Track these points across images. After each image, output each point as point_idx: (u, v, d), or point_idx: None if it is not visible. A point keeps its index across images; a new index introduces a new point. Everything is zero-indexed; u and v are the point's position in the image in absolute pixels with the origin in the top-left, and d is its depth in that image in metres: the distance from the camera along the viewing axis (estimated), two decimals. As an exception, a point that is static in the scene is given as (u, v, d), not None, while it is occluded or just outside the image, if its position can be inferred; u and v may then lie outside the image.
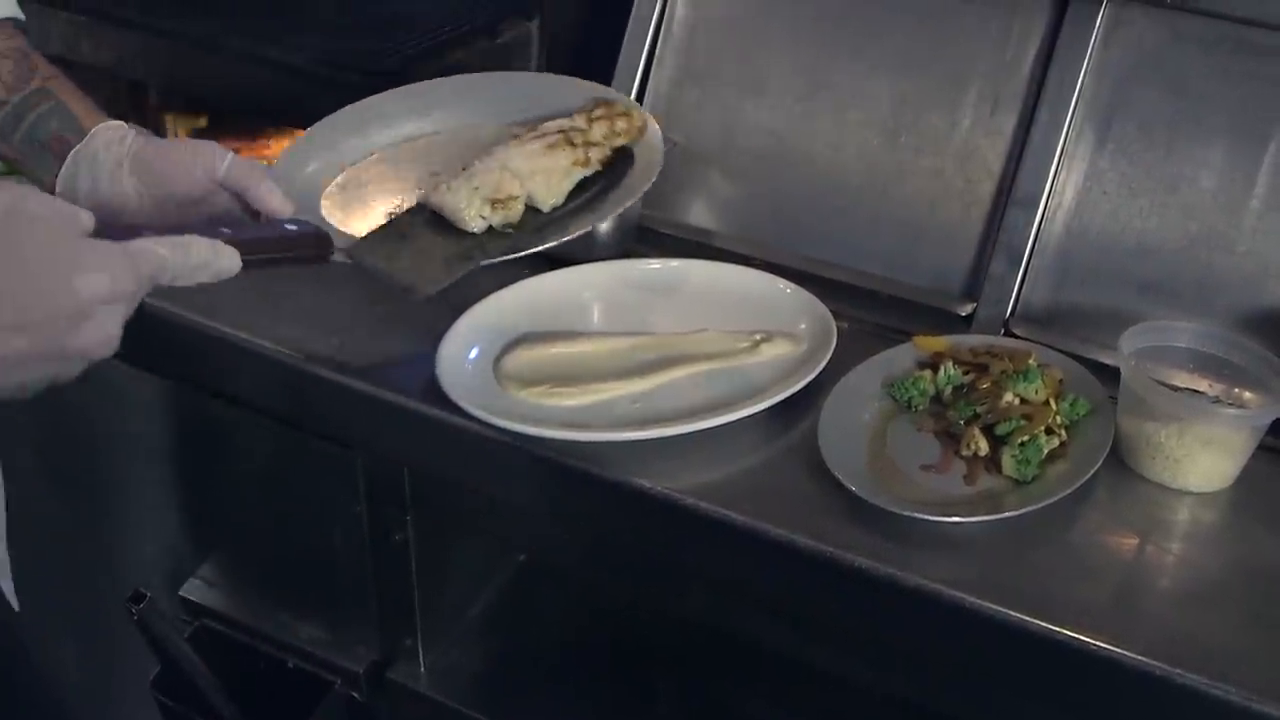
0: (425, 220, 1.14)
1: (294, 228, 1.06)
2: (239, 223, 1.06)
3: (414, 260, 1.10)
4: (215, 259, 0.94)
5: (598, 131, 1.16)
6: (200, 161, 1.08)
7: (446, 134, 1.27)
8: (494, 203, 1.10)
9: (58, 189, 1.10)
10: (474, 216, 1.10)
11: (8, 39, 1.16)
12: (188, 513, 1.47)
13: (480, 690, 1.38)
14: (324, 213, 1.19)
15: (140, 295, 0.88)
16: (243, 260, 0.95)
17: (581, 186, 1.18)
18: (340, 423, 1.22)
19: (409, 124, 1.29)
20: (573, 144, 1.14)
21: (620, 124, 1.17)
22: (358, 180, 1.25)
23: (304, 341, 1.21)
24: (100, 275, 0.82)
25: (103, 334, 0.84)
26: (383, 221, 1.15)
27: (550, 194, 1.13)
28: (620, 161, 1.21)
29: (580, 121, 1.17)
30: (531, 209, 1.14)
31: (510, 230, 1.13)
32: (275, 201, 1.08)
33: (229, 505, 1.40)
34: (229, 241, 0.94)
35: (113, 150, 1.10)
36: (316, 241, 1.07)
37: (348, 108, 1.29)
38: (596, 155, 1.15)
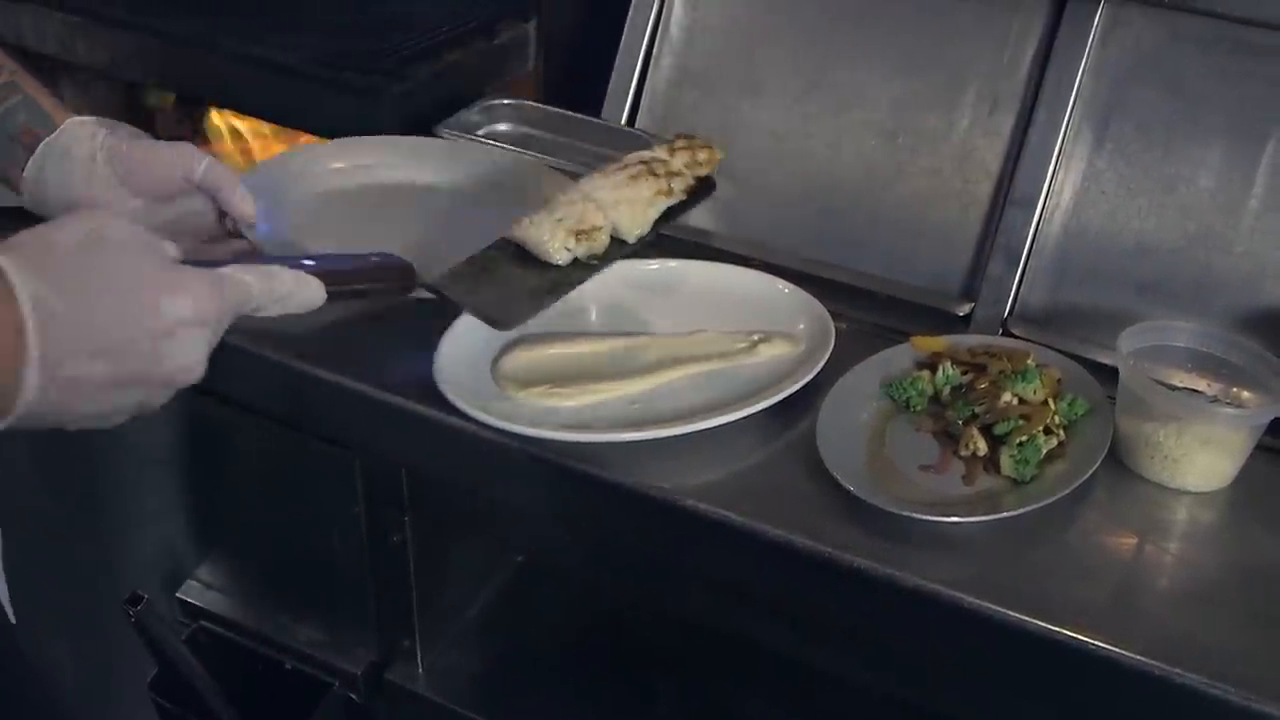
0: (510, 255, 1.13)
1: (377, 258, 1.06)
2: (323, 255, 1.06)
3: (499, 293, 1.10)
4: (300, 289, 0.94)
5: (679, 161, 1.16)
6: (179, 163, 1.11)
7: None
8: (578, 234, 1.09)
9: (25, 181, 1.11)
10: (558, 249, 1.09)
11: None
12: (185, 514, 1.46)
13: (479, 691, 1.38)
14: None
15: (225, 323, 0.88)
16: (327, 291, 0.95)
17: (666, 216, 1.18)
18: (338, 424, 1.22)
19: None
20: (655, 174, 1.13)
21: (702, 155, 1.17)
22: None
23: (301, 342, 1.21)
24: (184, 297, 0.82)
25: (186, 359, 0.83)
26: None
27: (635, 224, 1.13)
28: (703, 190, 1.21)
29: (662, 153, 1.17)
30: (616, 240, 1.14)
31: (595, 261, 1.14)
32: (246, 207, 1.13)
33: (226, 507, 1.39)
34: (313, 273, 0.94)
35: (84, 145, 1.11)
36: (401, 274, 1.07)
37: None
38: (679, 185, 1.14)
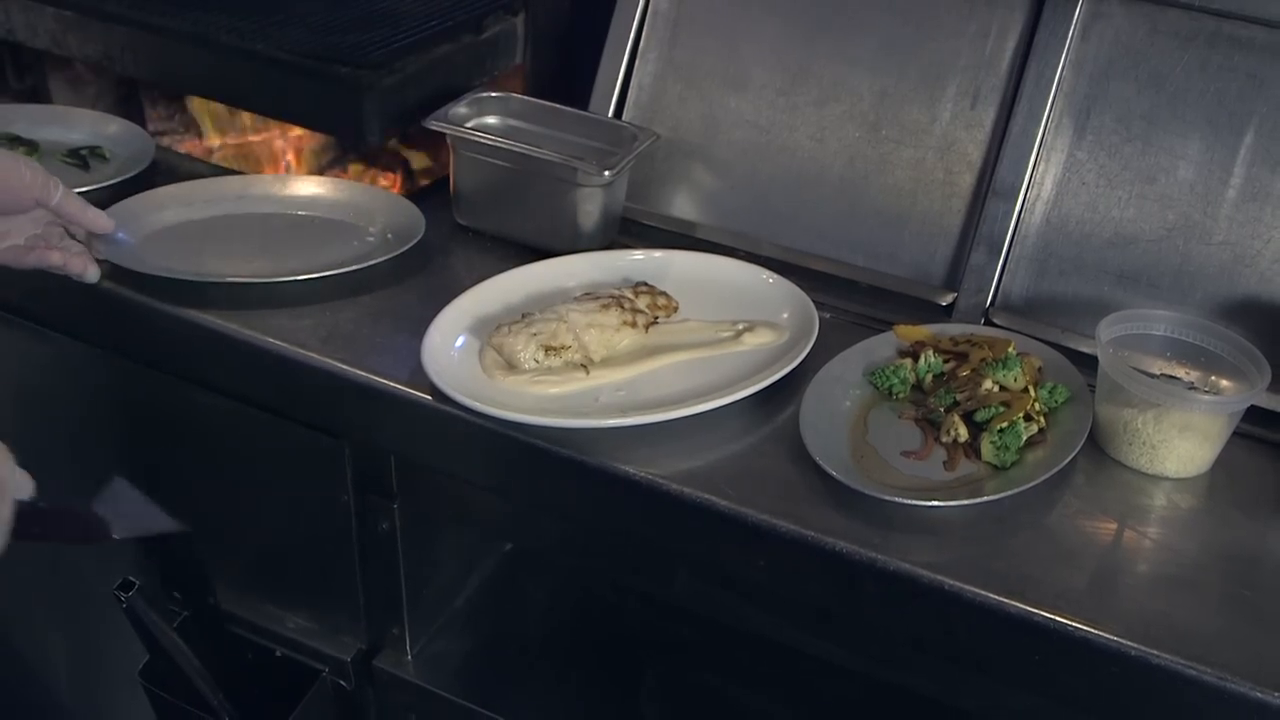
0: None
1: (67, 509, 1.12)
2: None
3: None
4: None
5: (642, 302, 1.24)
6: (34, 188, 1.19)
7: None
8: (548, 349, 1.17)
9: None
10: (528, 359, 1.16)
11: None
12: (175, 501, 1.47)
13: (467, 677, 1.39)
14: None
15: None
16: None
17: None
18: (327, 411, 1.23)
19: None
20: (622, 307, 1.21)
21: (661, 300, 1.25)
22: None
23: (290, 330, 1.22)
24: None
25: None
26: None
27: (601, 346, 1.19)
28: None
29: (629, 293, 1.24)
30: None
31: None
32: (102, 221, 1.24)
33: (216, 494, 1.40)
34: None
35: None
36: (86, 526, 1.14)
37: None
38: (642, 320, 1.22)
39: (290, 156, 1.79)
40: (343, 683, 1.40)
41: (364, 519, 1.31)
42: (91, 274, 1.25)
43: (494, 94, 1.45)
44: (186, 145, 1.78)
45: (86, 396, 1.45)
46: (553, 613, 1.47)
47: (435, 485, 1.27)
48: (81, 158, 1.49)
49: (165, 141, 1.74)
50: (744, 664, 1.33)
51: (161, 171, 1.45)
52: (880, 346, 1.22)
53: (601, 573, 1.30)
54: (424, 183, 1.73)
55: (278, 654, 1.42)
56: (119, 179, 1.43)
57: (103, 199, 1.41)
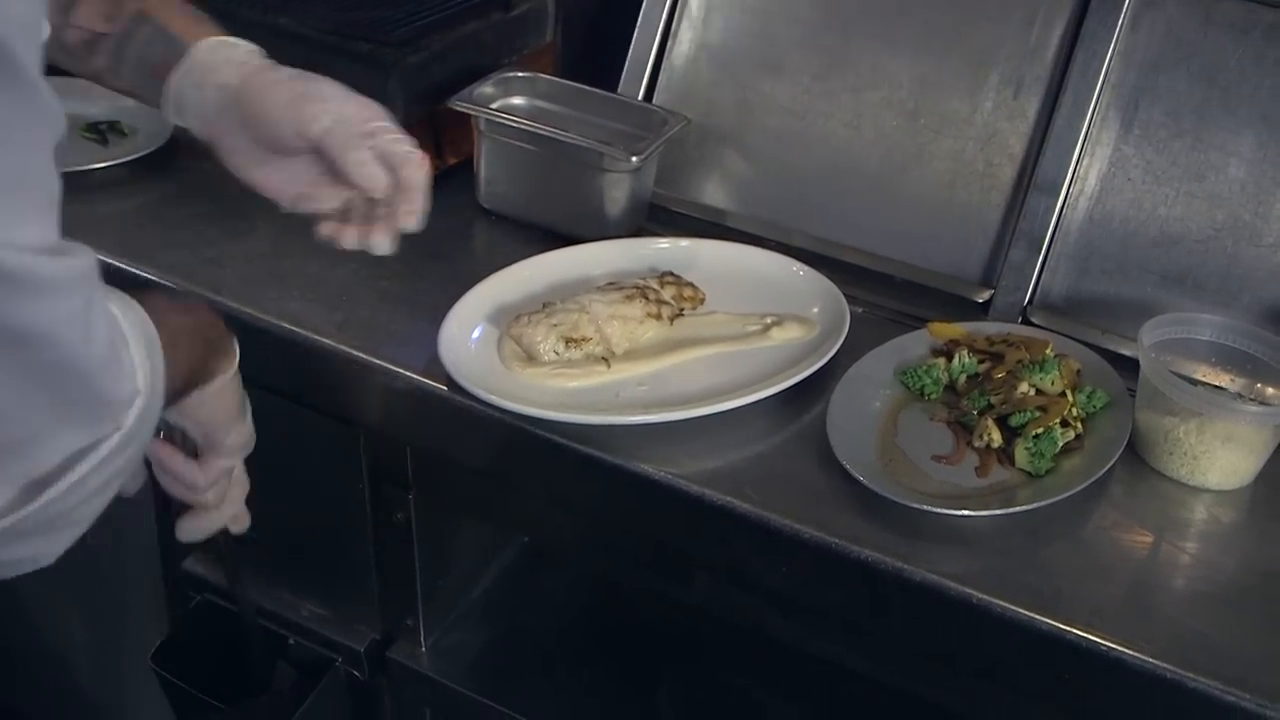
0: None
1: None
2: None
3: None
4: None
5: (668, 293, 1.20)
6: (292, 118, 0.99)
7: None
8: (569, 340, 1.13)
9: (169, 114, 1.03)
10: (548, 350, 1.13)
11: None
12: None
13: (481, 671, 1.37)
14: None
15: None
16: None
17: None
18: (344, 400, 1.20)
19: None
20: (646, 298, 1.18)
21: (688, 291, 1.22)
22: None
23: (308, 317, 1.19)
24: None
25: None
26: None
27: (624, 338, 1.15)
28: None
29: (654, 283, 1.21)
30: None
31: None
32: (365, 174, 0.98)
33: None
34: None
35: (211, 75, 1.01)
36: None
37: None
38: (667, 312, 1.19)
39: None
40: (356, 673, 1.38)
41: (380, 509, 1.28)
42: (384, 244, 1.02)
43: (521, 74, 1.41)
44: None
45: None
46: (569, 608, 1.44)
47: (452, 476, 1.25)
48: (100, 132, 1.47)
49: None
50: (764, 665, 1.30)
51: (181, 148, 1.43)
52: (913, 344, 1.18)
53: (618, 570, 1.28)
54: (452, 161, 1.70)
55: (291, 642, 1.41)
56: (137, 154, 1.40)
57: (121, 175, 1.39)
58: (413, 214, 1.01)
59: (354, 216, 1.04)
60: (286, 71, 1.03)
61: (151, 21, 1.03)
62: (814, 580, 1.01)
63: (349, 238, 1.04)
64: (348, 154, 0.98)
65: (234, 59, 1.02)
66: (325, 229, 1.05)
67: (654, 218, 1.37)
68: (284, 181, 1.03)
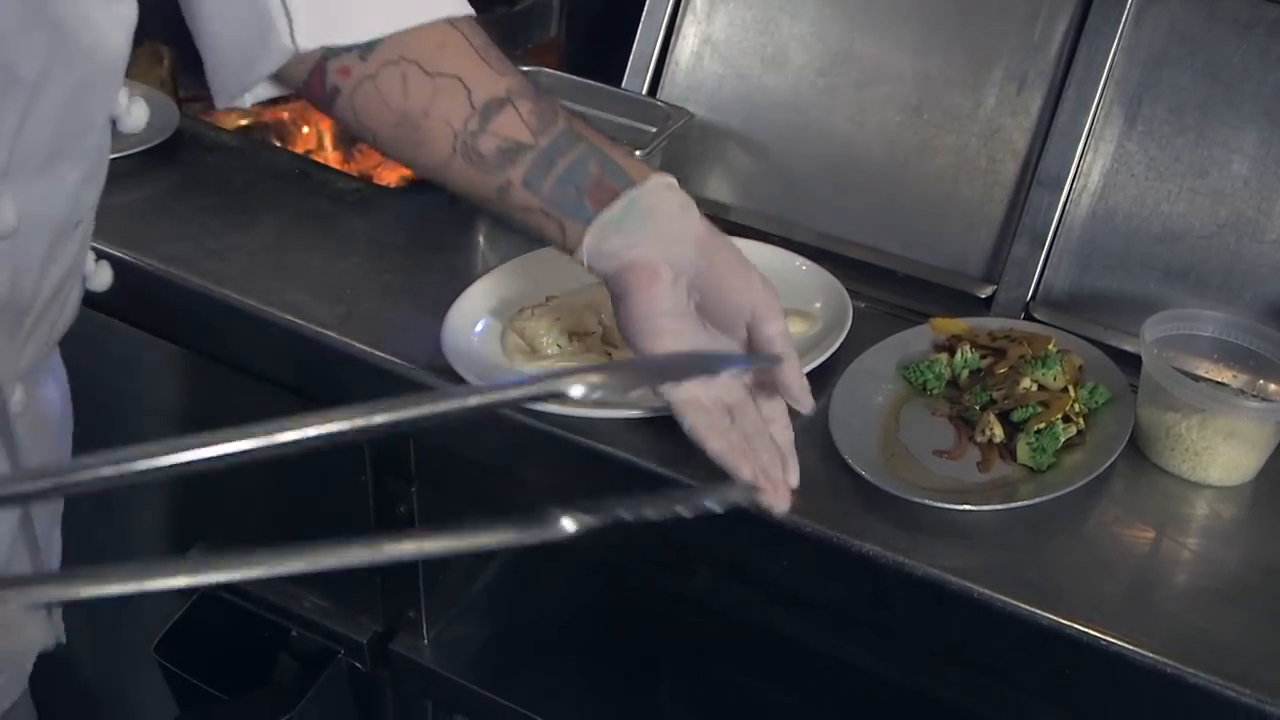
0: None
1: None
2: None
3: None
4: None
5: None
6: (742, 305, 0.95)
7: None
8: (572, 335, 1.13)
9: (589, 235, 0.96)
10: (550, 344, 1.13)
11: (510, 74, 1.00)
12: (192, 479, 1.46)
13: (483, 664, 1.37)
14: None
15: None
16: None
17: None
18: (346, 392, 1.20)
19: None
20: None
21: None
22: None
23: (311, 310, 1.20)
24: None
25: None
26: None
27: None
28: None
29: None
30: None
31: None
32: (794, 390, 0.95)
33: (233, 472, 1.38)
34: None
35: (670, 209, 0.96)
36: None
37: None
38: None
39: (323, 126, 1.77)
40: (358, 665, 1.38)
41: (382, 501, 1.28)
42: (781, 504, 0.92)
43: (525, 68, 1.41)
44: (217, 116, 1.75)
45: (104, 369, 1.44)
46: (571, 602, 1.44)
47: (454, 469, 1.25)
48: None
49: (196, 110, 1.71)
50: (764, 660, 1.30)
51: (187, 141, 1.43)
52: (915, 339, 1.18)
53: (620, 564, 1.28)
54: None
55: (293, 633, 1.41)
56: (143, 147, 1.40)
57: (127, 167, 1.39)
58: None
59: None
60: (721, 235, 0.98)
61: (586, 141, 0.98)
62: (815, 574, 1.02)
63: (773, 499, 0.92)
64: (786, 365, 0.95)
65: (690, 213, 0.98)
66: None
67: (657, 212, 1.37)
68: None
